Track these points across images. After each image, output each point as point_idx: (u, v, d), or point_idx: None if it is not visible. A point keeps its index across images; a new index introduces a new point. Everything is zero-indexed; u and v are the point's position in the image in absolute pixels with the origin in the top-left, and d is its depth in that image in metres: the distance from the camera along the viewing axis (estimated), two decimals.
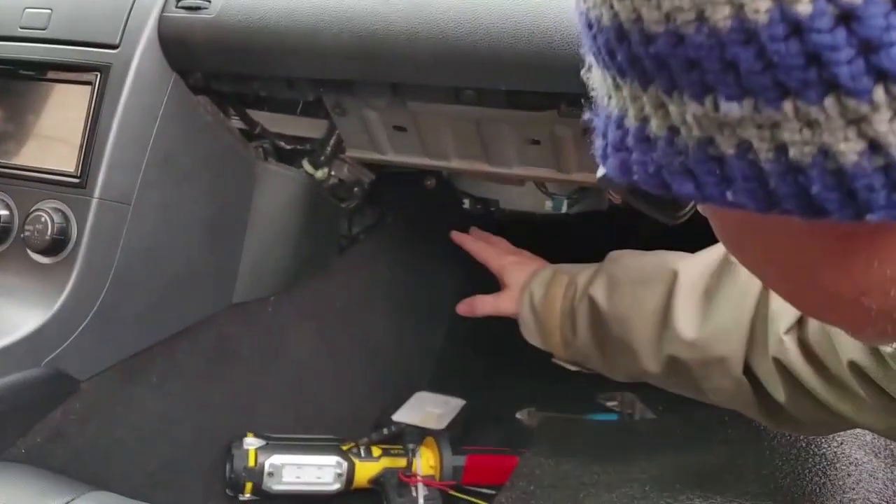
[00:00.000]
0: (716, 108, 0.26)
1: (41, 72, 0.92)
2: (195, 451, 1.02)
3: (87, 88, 0.88)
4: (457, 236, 1.06)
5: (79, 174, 0.87)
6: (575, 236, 1.35)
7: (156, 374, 0.96)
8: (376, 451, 1.09)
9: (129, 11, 0.89)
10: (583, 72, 0.32)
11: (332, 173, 1.12)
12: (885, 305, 0.30)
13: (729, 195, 0.27)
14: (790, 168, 0.25)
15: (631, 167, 0.29)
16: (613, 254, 0.86)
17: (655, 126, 0.28)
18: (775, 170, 0.25)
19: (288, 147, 1.06)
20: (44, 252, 0.86)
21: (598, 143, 0.32)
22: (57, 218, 0.86)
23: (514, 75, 0.75)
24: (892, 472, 0.86)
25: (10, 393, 0.80)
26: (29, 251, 0.87)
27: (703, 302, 0.74)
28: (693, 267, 0.77)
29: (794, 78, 0.24)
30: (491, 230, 1.09)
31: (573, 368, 0.92)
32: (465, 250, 1.05)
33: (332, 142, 1.06)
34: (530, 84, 0.76)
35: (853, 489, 0.82)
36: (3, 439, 0.82)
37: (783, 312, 0.67)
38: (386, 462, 1.08)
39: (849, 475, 0.84)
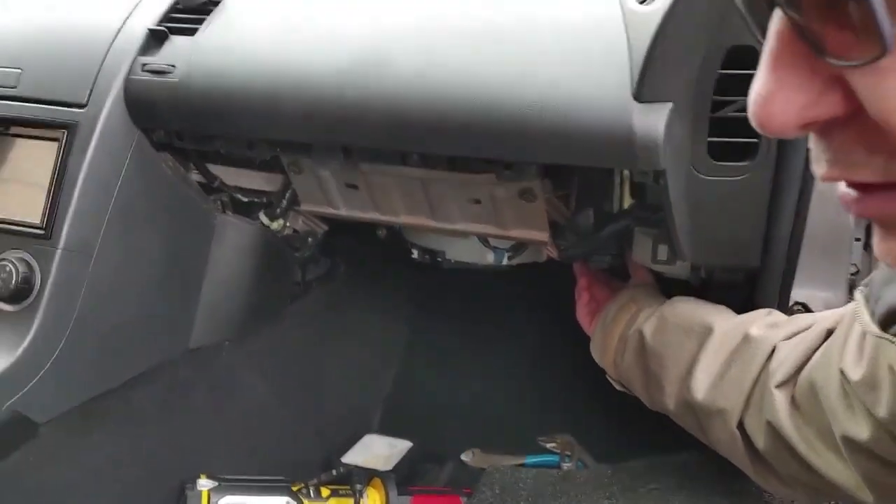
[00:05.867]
0: None
1: (10, 128, 0.96)
2: (149, 492, 1.05)
3: (55, 144, 0.93)
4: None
5: (44, 226, 0.91)
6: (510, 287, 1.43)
7: (112, 418, 1.00)
8: (325, 491, 1.13)
9: (97, 73, 0.94)
10: None
11: (288, 224, 1.18)
12: None
13: None
14: None
15: None
16: (674, 298, 0.95)
17: None
18: None
19: (245, 200, 1.12)
20: (7, 300, 0.90)
21: None
22: (21, 267, 0.90)
23: (456, 144, 0.82)
24: None
25: None
26: None
27: (724, 364, 0.83)
28: (726, 329, 0.85)
29: None
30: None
31: (619, 388, 1.02)
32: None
33: (287, 195, 1.12)
34: (471, 152, 0.84)
35: None
36: None
37: (779, 369, 0.76)
38: (334, 502, 1.12)
39: None
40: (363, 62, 0.85)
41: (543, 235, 0.98)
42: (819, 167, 0.34)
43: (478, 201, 0.96)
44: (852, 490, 0.71)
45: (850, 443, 0.66)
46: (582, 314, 1.10)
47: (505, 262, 1.14)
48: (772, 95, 0.32)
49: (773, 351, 0.79)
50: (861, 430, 0.65)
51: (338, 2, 0.93)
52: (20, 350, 0.87)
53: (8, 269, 0.89)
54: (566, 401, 1.42)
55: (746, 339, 0.82)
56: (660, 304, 0.96)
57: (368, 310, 1.48)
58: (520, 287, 1.49)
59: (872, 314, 0.59)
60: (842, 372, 0.66)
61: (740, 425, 0.80)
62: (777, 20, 0.31)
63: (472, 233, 1.02)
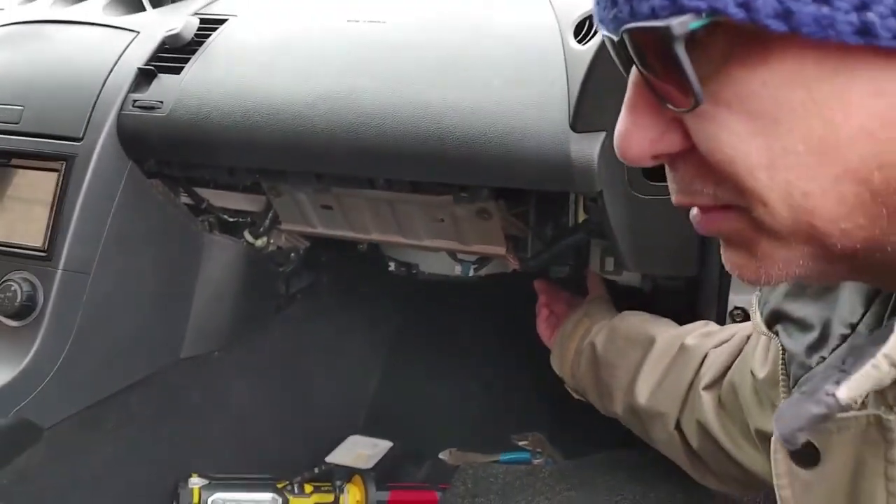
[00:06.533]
0: None
1: (11, 159, 1.05)
2: (146, 490, 1.14)
3: (55, 174, 1.02)
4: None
5: (45, 248, 1.00)
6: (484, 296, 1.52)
7: (111, 422, 1.09)
8: (308, 488, 1.22)
9: (92, 110, 1.03)
10: None
11: (271, 241, 1.27)
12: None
13: None
14: None
15: None
16: (624, 312, 1.03)
17: None
18: None
19: (231, 220, 1.21)
20: (13, 317, 0.99)
21: None
22: (25, 287, 0.99)
23: (414, 170, 0.92)
24: None
25: None
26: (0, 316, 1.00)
27: (663, 371, 0.91)
28: (666, 340, 0.93)
29: None
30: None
31: (577, 396, 1.09)
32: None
33: (270, 215, 1.21)
34: (428, 176, 0.93)
35: None
36: None
37: (707, 373, 0.84)
38: (317, 498, 1.21)
39: None
40: (331, 97, 0.94)
41: (501, 250, 1.07)
42: (673, 195, 0.42)
43: (441, 220, 1.05)
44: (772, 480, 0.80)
45: (761, 435, 0.75)
46: (542, 329, 1.17)
47: (471, 273, 1.23)
48: (628, 133, 0.40)
49: (704, 358, 0.88)
50: (769, 423, 0.72)
51: (310, 40, 1.02)
52: (25, 361, 0.96)
53: (13, 288, 0.98)
54: (538, 402, 1.50)
55: (683, 348, 0.90)
56: (611, 317, 1.04)
57: (351, 319, 1.57)
58: (494, 296, 1.58)
59: (761, 314, 0.67)
60: (752, 372, 0.75)
61: (678, 427, 0.89)
62: (633, 73, 0.39)
63: (438, 248, 1.11)
